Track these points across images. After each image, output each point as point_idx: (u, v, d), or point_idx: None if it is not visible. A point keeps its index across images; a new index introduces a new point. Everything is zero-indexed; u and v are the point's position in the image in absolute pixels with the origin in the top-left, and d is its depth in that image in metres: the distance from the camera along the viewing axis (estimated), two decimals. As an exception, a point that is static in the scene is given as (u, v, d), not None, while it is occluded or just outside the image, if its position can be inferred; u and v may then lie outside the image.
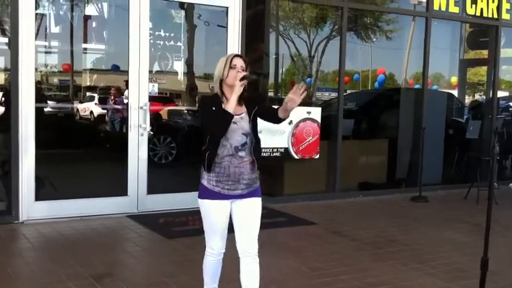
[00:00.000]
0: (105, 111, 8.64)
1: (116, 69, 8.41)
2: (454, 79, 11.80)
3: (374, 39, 10.91)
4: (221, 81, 3.36)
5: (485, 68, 10.77)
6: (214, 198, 3.35)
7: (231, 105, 3.23)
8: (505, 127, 10.64)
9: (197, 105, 3.41)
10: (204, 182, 3.37)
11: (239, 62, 3.35)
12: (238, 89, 3.26)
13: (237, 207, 3.41)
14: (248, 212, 3.42)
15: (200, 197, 3.42)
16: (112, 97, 8.30)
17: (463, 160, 9.88)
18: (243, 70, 3.33)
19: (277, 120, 3.41)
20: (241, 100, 3.35)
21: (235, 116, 3.28)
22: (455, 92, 11.43)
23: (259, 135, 3.50)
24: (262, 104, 3.59)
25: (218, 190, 3.33)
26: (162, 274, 4.62)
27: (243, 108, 3.39)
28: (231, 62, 3.34)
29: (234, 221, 3.45)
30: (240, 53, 7.32)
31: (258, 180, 3.44)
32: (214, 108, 3.28)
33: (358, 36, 10.51)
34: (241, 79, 3.28)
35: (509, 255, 5.61)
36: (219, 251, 3.51)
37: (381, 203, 8.17)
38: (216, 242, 3.47)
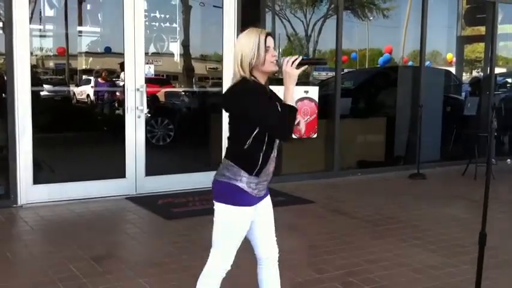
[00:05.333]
0: (102, 94, 8.61)
1: (111, 51, 8.35)
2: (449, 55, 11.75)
3: (371, 18, 10.84)
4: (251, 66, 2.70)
5: (482, 44, 10.73)
6: (251, 205, 2.78)
7: (292, 98, 2.69)
8: (503, 103, 10.64)
9: (238, 92, 2.49)
10: (243, 185, 2.71)
11: (272, 43, 2.74)
12: (296, 78, 2.68)
13: (260, 210, 2.88)
14: (269, 212, 2.96)
15: (236, 203, 2.73)
16: (101, 79, 8.29)
17: (461, 137, 9.88)
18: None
19: None
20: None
21: None
22: (452, 69, 11.39)
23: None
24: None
25: (256, 193, 2.78)
26: (162, 255, 4.63)
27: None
28: (265, 42, 2.70)
29: (254, 224, 2.88)
30: (236, 33, 7.31)
31: None
32: (272, 100, 2.72)
33: (354, 15, 10.44)
34: (300, 65, 2.69)
35: (508, 230, 5.63)
36: (228, 268, 2.90)
37: (379, 180, 8.19)
38: (232, 259, 2.86)
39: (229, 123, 2.79)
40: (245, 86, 2.68)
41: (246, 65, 2.68)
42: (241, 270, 2.95)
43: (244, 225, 2.80)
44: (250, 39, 2.69)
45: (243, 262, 2.92)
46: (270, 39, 2.72)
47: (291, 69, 2.67)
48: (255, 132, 2.68)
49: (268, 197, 2.97)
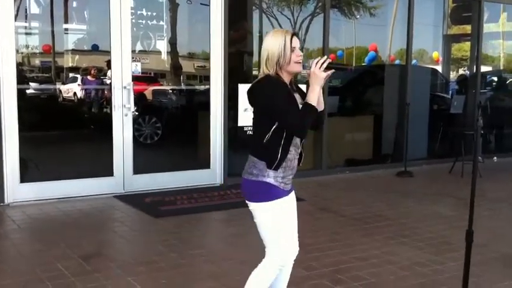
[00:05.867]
0: (89, 91, 8.56)
1: (98, 49, 8.31)
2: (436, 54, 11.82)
3: (358, 16, 10.87)
4: (279, 65, 2.78)
5: (468, 43, 10.80)
6: (283, 196, 2.86)
7: (315, 99, 2.74)
8: (489, 101, 10.73)
9: (262, 87, 2.77)
10: (270, 179, 2.80)
11: (297, 43, 2.81)
12: (322, 81, 2.75)
13: (286, 202, 2.93)
14: (294, 207, 3.03)
15: (268, 198, 2.81)
16: (90, 77, 8.22)
17: (448, 135, 9.95)
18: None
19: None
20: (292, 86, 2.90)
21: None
22: (439, 68, 11.46)
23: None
24: None
25: (283, 186, 2.86)
26: (151, 253, 4.62)
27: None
28: (291, 42, 2.78)
29: None
30: (224, 32, 7.30)
31: None
32: (294, 97, 2.79)
33: (341, 13, 10.46)
34: (327, 68, 2.74)
35: (495, 228, 5.68)
36: (287, 261, 3.00)
37: (367, 178, 8.22)
38: (287, 251, 2.94)
39: (252, 118, 2.88)
40: (268, 81, 2.77)
41: (273, 65, 2.78)
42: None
43: (282, 216, 2.87)
44: (277, 39, 2.78)
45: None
46: (295, 40, 2.79)
47: (319, 71, 2.73)
48: (274, 127, 2.75)
49: (293, 193, 3.02)
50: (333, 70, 2.78)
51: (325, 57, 2.78)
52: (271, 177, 2.80)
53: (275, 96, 2.73)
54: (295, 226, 3.05)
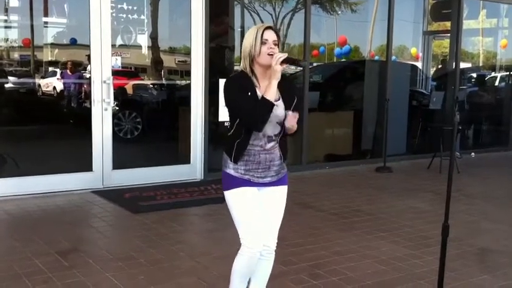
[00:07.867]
0: (68, 86, 8.49)
1: (78, 43, 8.24)
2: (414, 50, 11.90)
3: (339, 12, 10.91)
4: (251, 57, 2.88)
5: (448, 39, 10.89)
6: (244, 186, 2.94)
7: (271, 93, 2.79)
8: (467, 97, 10.85)
9: (224, 85, 2.93)
10: (230, 171, 2.95)
11: (271, 36, 2.86)
12: (279, 74, 2.79)
13: (264, 196, 3.04)
14: (275, 202, 3.10)
15: (227, 188, 2.96)
16: (68, 71, 8.16)
17: (427, 130, 10.04)
18: (275, 45, 2.86)
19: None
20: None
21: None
22: (418, 64, 11.55)
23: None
24: (297, 101, 3.05)
25: (248, 178, 2.94)
26: (129, 248, 4.60)
27: (278, 93, 2.89)
28: (262, 35, 2.85)
29: None
30: (205, 26, 7.27)
31: (285, 166, 3.14)
32: (249, 93, 2.83)
33: (323, 9, 10.49)
34: (283, 62, 2.79)
35: (472, 222, 5.75)
36: (258, 248, 2.98)
37: (346, 174, 8.26)
38: (255, 238, 2.95)
39: None
40: (228, 80, 2.94)
41: (246, 57, 2.89)
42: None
43: (241, 206, 2.95)
44: (251, 32, 2.89)
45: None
46: (268, 33, 2.86)
47: (275, 65, 2.78)
48: (236, 122, 2.89)
49: (280, 188, 3.11)
50: (287, 64, 2.83)
51: (286, 54, 2.82)
52: (231, 168, 2.95)
53: (230, 93, 2.87)
54: (269, 219, 3.06)
